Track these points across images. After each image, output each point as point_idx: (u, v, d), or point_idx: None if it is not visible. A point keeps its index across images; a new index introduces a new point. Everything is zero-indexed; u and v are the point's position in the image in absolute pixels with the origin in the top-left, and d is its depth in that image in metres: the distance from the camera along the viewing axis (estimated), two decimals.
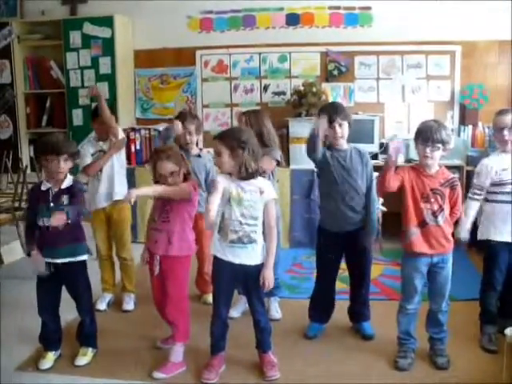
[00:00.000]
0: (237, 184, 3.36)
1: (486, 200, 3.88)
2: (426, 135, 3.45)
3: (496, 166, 3.80)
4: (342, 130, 3.83)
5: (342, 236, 3.91)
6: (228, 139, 3.37)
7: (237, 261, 3.41)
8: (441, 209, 3.49)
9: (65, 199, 3.57)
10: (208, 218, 3.29)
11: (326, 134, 3.85)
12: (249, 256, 3.41)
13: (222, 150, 3.35)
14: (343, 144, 3.89)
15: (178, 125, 4.48)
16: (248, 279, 3.49)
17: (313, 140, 3.74)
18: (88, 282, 3.79)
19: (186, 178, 3.65)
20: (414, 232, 3.55)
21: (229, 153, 3.35)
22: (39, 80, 7.14)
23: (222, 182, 3.35)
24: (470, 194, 3.91)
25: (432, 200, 3.49)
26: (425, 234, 3.53)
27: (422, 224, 3.52)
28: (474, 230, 3.96)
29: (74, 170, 3.82)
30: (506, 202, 3.78)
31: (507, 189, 3.77)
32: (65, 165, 3.58)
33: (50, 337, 3.77)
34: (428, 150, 3.44)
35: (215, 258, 3.49)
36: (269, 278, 3.43)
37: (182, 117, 4.57)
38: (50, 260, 3.61)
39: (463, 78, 6.53)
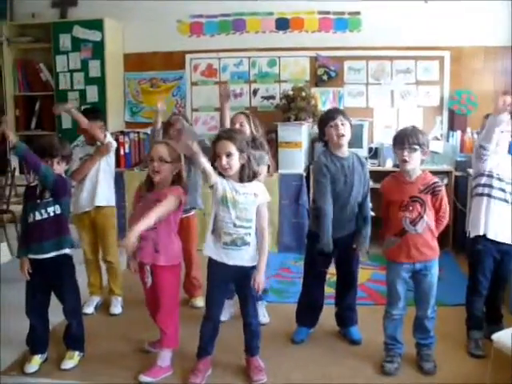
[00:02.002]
0: (231, 186, 3.35)
1: (471, 196, 3.90)
2: (402, 139, 3.48)
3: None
4: (345, 128, 3.76)
5: (333, 241, 3.88)
6: (237, 140, 3.35)
7: (231, 262, 3.40)
8: (420, 217, 3.49)
9: (47, 193, 3.61)
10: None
11: (326, 140, 3.86)
12: (243, 258, 3.41)
13: (233, 150, 3.32)
14: (345, 149, 3.83)
15: (160, 103, 4.69)
16: (242, 281, 3.48)
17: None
18: (75, 284, 3.78)
19: (173, 181, 3.60)
20: (392, 241, 3.57)
21: (238, 154, 3.34)
22: (29, 83, 7.12)
23: (219, 182, 3.33)
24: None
25: (410, 208, 3.49)
26: (404, 243, 3.53)
27: (402, 232, 3.52)
28: (462, 236, 3.98)
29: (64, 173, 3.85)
30: (482, 194, 3.80)
31: (486, 181, 3.78)
32: (58, 166, 3.65)
33: (37, 339, 3.76)
34: (405, 152, 3.45)
35: (209, 259, 3.47)
36: (259, 281, 3.43)
37: (173, 119, 4.58)
38: (35, 256, 3.63)
39: (452, 84, 6.56)
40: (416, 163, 3.50)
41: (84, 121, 4.41)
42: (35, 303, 3.71)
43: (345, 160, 3.83)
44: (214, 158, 3.37)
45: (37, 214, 3.60)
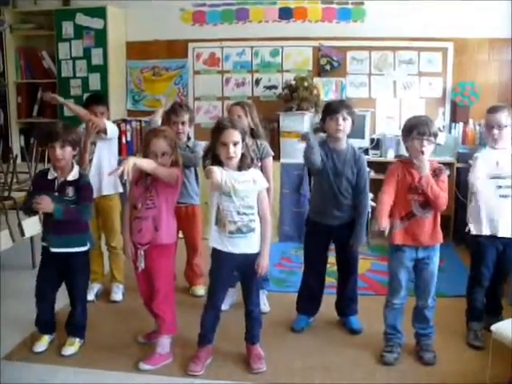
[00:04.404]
0: (230, 175, 3.35)
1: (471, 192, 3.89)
2: (423, 129, 3.44)
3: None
4: (345, 124, 3.78)
5: (331, 228, 3.91)
6: (240, 129, 3.38)
7: (237, 251, 3.41)
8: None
9: (70, 191, 3.58)
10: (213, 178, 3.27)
11: (325, 131, 3.86)
12: (249, 245, 3.43)
13: (239, 139, 3.35)
14: (342, 142, 3.86)
15: (159, 112, 4.62)
16: (247, 268, 3.49)
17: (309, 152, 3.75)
18: (87, 274, 3.84)
19: (171, 165, 3.62)
20: (398, 225, 3.56)
21: (241, 143, 3.37)
22: (31, 70, 7.11)
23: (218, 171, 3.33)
24: None
25: (420, 191, 3.48)
26: (411, 226, 3.53)
27: (409, 216, 3.52)
28: (463, 227, 3.98)
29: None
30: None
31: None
32: (62, 151, 3.56)
33: (46, 321, 3.80)
34: (425, 143, 3.43)
35: (214, 249, 3.48)
36: (263, 266, 3.46)
37: (174, 107, 4.56)
38: (50, 248, 3.64)
39: (455, 75, 6.53)
40: (429, 154, 3.49)
41: (80, 111, 4.40)
42: (45, 287, 3.74)
43: (338, 152, 3.87)
44: (214, 147, 3.39)
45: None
